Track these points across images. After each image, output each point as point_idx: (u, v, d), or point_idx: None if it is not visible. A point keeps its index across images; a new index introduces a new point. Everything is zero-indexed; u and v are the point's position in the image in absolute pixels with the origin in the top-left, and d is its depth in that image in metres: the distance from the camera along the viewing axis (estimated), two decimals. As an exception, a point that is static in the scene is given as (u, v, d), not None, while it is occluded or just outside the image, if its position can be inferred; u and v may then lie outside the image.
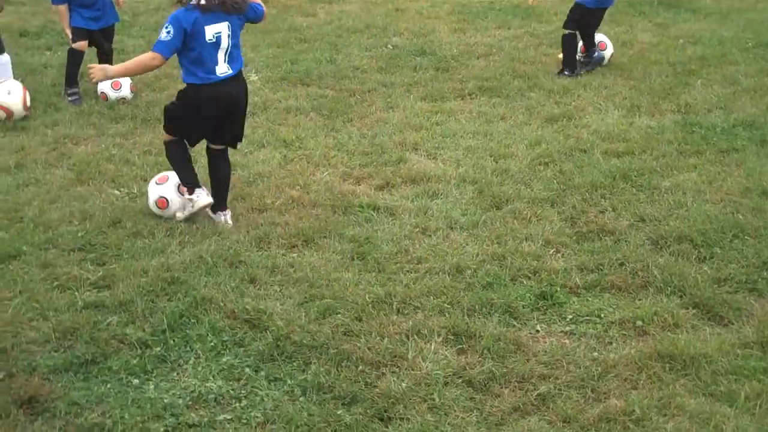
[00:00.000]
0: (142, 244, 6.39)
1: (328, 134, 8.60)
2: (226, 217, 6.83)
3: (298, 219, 6.76)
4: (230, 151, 8.17)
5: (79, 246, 6.37)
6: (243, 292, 5.73)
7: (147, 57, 6.41)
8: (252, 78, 10.23)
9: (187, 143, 6.84)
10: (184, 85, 6.58)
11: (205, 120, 6.61)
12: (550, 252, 6.20)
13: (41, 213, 6.91)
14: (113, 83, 9.45)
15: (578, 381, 4.83)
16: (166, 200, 6.82)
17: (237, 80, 6.61)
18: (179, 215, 6.79)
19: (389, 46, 11.57)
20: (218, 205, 6.85)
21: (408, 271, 6.01)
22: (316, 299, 5.65)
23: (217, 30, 6.33)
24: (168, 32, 6.25)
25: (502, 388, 4.80)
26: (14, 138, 8.48)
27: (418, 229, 6.57)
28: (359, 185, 7.43)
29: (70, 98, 9.44)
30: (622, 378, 4.85)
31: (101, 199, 7.16)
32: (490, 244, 6.32)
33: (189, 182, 6.77)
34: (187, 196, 6.77)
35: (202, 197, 6.72)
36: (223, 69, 6.46)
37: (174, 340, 5.23)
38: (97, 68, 6.50)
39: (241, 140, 7.03)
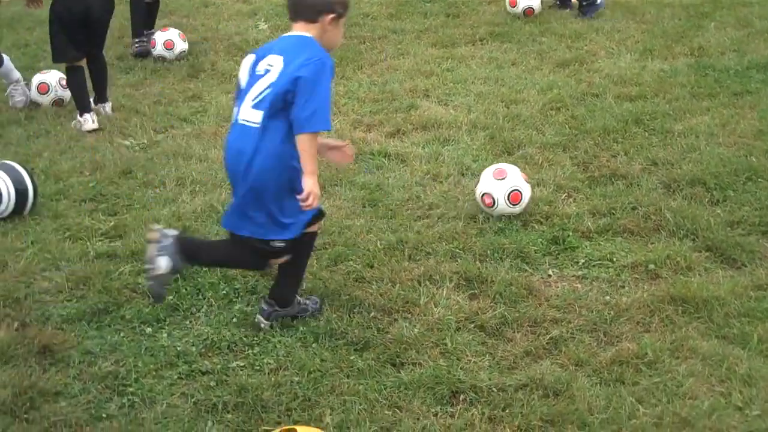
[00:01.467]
0: (153, 193, 6.39)
1: (339, 82, 8.53)
2: (105, 108, 7.91)
3: (309, 167, 6.72)
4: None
5: (90, 196, 6.37)
6: (254, 240, 5.72)
7: None
8: (261, 26, 10.17)
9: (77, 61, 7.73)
10: None
11: (71, 29, 7.55)
12: (562, 197, 6.17)
13: (52, 164, 6.92)
14: (166, 43, 9.21)
15: (590, 325, 4.82)
16: (47, 85, 8.17)
17: None
18: (73, 123, 7.75)
19: (399, -8, 11.45)
20: (99, 98, 7.92)
21: (419, 217, 5.99)
22: (327, 246, 5.64)
23: None
24: None
25: (514, 332, 4.79)
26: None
27: (429, 176, 6.54)
28: (370, 132, 7.39)
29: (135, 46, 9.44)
30: (635, 321, 4.84)
31: (111, 150, 7.16)
32: (502, 189, 6.29)
33: (84, 108, 7.65)
34: (78, 117, 7.66)
35: (88, 123, 7.60)
36: None
37: (186, 289, 5.23)
38: None
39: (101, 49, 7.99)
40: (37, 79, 8.25)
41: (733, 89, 7.90)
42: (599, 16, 10.14)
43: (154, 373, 4.57)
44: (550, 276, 5.30)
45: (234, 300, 5.15)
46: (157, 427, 4.19)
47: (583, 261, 5.44)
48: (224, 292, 5.21)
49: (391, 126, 7.47)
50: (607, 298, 5.05)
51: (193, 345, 4.77)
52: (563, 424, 4.12)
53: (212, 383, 4.48)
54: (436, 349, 4.66)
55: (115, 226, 5.96)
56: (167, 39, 9.24)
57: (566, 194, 6.20)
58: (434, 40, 9.66)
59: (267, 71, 4.61)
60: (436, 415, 4.22)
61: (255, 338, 4.81)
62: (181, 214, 6.03)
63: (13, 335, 4.83)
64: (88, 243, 5.75)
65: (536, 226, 5.81)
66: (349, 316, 4.94)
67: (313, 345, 4.74)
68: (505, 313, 4.91)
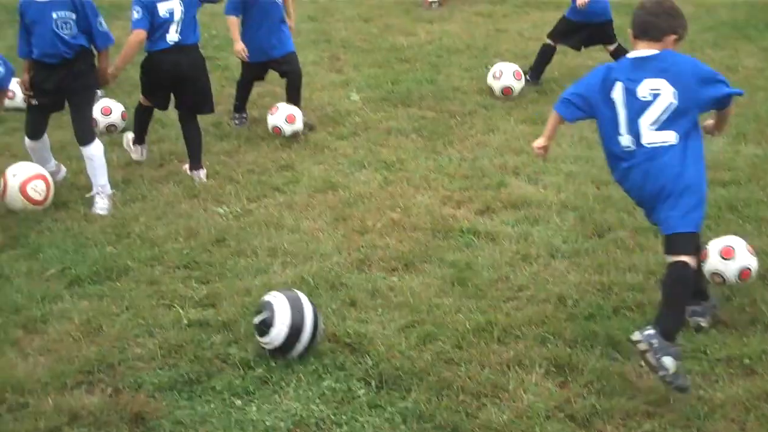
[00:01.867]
0: (245, 263, 6.48)
1: (429, 156, 8.60)
2: (199, 174, 8.10)
3: (399, 242, 6.78)
4: (332, 171, 8.29)
5: (184, 263, 6.49)
6: (344, 315, 5.76)
7: (132, 37, 7.77)
8: (353, 98, 10.31)
9: (158, 109, 8.46)
10: None
11: (159, 83, 8.07)
12: (654, 284, 6.09)
13: (148, 229, 7.07)
14: (288, 117, 9.07)
15: (684, 420, 4.72)
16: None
17: (184, 50, 7.92)
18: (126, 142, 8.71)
19: (489, 66, 11.51)
20: (193, 164, 8.15)
21: (509, 298, 5.98)
22: (416, 325, 5.65)
23: (169, 6, 7.74)
24: (137, 12, 7.69)
25: (605, 424, 4.72)
26: (122, 153, 8.67)
27: (518, 256, 6.53)
28: (459, 209, 7.42)
29: (235, 121, 9.64)
30: (729, 418, 4.73)
31: (205, 217, 7.29)
32: (592, 273, 6.26)
33: (138, 139, 8.55)
34: (132, 145, 8.59)
35: (137, 153, 8.56)
36: (173, 38, 7.81)
37: (276, 362, 5.28)
38: (109, 75, 7.81)
39: (203, 111, 8.36)
40: (102, 102, 9.23)
41: (830, 178, 7.78)
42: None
43: (243, 447, 4.59)
44: (641, 366, 5.21)
45: (323, 375, 5.17)
46: (245, 504, 4.21)
47: (675, 352, 5.34)
48: (313, 366, 5.24)
49: (480, 203, 7.49)
50: (701, 392, 4.95)
51: (281, 420, 4.79)
52: None
53: (301, 462, 4.49)
54: (526, 438, 4.62)
55: (207, 294, 6.05)
56: (275, 125, 9.12)
57: (659, 282, 6.11)
58: (524, 117, 9.68)
59: (656, 95, 5.06)
60: (527, 508, 4.17)
61: (343, 416, 4.82)
62: (273, 285, 6.10)
63: (107, 401, 4.91)
64: (181, 311, 5.84)
65: (628, 314, 5.75)
66: (438, 399, 4.92)
67: (402, 427, 4.73)
68: (596, 404, 4.84)
